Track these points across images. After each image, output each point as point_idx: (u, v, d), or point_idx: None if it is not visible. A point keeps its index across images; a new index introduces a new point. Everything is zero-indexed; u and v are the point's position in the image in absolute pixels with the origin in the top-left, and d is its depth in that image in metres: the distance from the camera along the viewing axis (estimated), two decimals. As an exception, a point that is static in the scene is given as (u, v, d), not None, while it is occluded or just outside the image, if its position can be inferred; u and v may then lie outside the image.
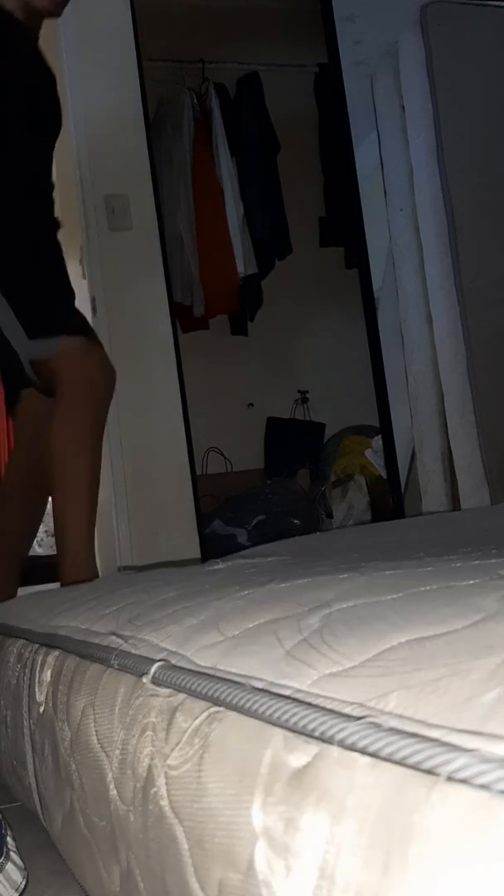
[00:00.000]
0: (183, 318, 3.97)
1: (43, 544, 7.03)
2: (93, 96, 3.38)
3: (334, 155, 4.02)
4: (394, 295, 3.78)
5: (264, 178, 4.20)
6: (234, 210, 4.06)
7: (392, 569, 0.61)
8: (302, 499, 4.22)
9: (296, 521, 4.07)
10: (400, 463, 3.71)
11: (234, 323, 4.41)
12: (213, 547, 3.33)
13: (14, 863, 1.00)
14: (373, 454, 4.16)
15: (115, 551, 3.19)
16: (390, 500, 3.76)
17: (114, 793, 0.64)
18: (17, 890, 0.99)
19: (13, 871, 1.00)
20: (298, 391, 4.64)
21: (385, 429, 3.70)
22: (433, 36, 3.65)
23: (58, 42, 3.50)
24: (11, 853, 1.01)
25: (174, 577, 0.91)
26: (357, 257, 3.83)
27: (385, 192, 3.79)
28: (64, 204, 4.02)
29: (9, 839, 1.02)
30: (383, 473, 3.93)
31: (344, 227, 3.99)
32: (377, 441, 4.00)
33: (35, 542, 7.51)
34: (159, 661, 0.57)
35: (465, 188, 3.60)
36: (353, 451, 4.28)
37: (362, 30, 3.84)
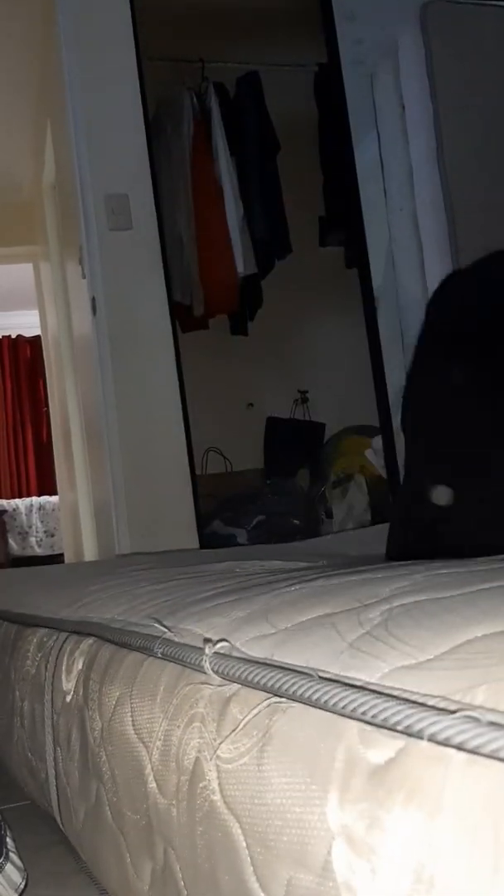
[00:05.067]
0: (183, 318, 3.95)
1: (42, 544, 7.03)
2: (93, 96, 3.37)
3: (334, 155, 4.02)
4: (394, 295, 3.77)
5: (264, 178, 4.19)
6: (233, 210, 4.05)
7: (444, 568, 0.59)
8: (302, 499, 4.21)
9: (296, 521, 4.07)
10: (400, 463, 3.70)
11: (234, 323, 4.40)
12: (213, 547, 3.32)
13: (14, 863, 1.00)
14: (373, 454, 4.15)
15: (115, 551, 3.18)
16: (390, 500, 3.76)
17: (152, 786, 0.63)
18: (16, 890, 0.98)
19: (13, 872, 0.99)
20: (298, 391, 4.63)
21: (385, 429, 3.69)
22: (433, 36, 3.64)
23: (58, 42, 3.50)
24: (11, 854, 1.00)
25: (208, 576, 0.89)
26: (357, 257, 3.82)
27: (385, 192, 3.78)
28: (64, 204, 4.01)
29: (9, 839, 1.02)
30: (383, 473, 3.92)
31: (344, 227, 3.99)
32: (377, 441, 3.99)
33: (35, 542, 7.47)
34: (219, 642, 0.55)
35: (465, 188, 3.60)
36: (352, 451, 4.27)
37: (362, 29, 3.84)
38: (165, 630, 0.66)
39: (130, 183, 3.36)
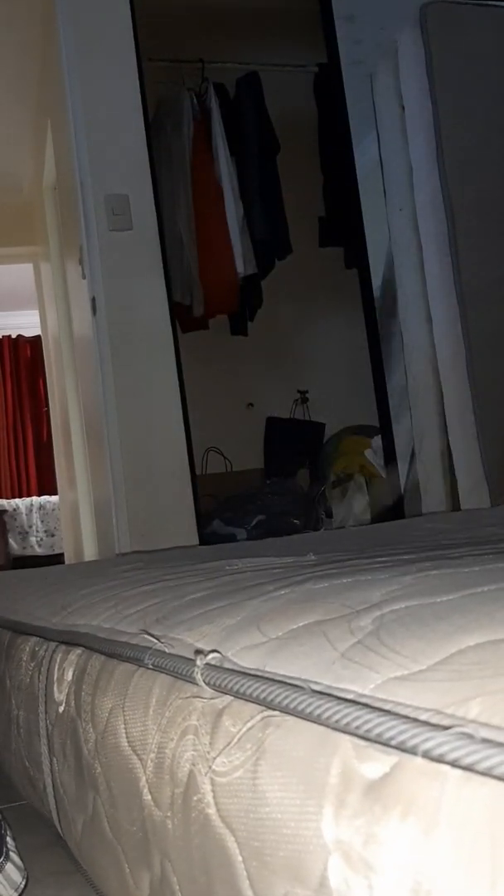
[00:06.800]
0: (183, 318, 3.95)
1: (43, 544, 7.02)
2: (93, 96, 3.36)
3: (334, 155, 4.01)
4: (394, 295, 3.77)
5: (264, 178, 4.18)
6: (233, 210, 4.04)
7: (434, 569, 0.59)
8: (301, 499, 4.21)
9: (295, 521, 4.06)
10: (400, 463, 3.70)
11: (233, 323, 4.40)
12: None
13: (14, 863, 1.00)
14: (372, 454, 4.15)
15: (115, 550, 3.18)
16: (390, 500, 3.75)
17: (148, 798, 0.62)
18: (16, 890, 0.98)
19: (13, 872, 0.99)
20: (298, 391, 4.63)
21: (385, 429, 3.68)
22: (432, 36, 3.63)
23: (58, 42, 3.49)
24: (11, 853, 1.00)
25: (197, 577, 0.88)
26: (357, 257, 3.82)
27: (385, 192, 3.78)
28: (64, 204, 4.01)
29: (9, 839, 1.01)
30: (383, 473, 3.92)
31: (344, 227, 3.98)
32: (377, 441, 3.99)
33: (35, 541, 7.45)
34: (210, 653, 0.55)
35: (465, 188, 3.59)
36: (352, 451, 4.27)
37: (362, 29, 3.84)
38: (155, 641, 0.65)
39: (130, 183, 3.36)
